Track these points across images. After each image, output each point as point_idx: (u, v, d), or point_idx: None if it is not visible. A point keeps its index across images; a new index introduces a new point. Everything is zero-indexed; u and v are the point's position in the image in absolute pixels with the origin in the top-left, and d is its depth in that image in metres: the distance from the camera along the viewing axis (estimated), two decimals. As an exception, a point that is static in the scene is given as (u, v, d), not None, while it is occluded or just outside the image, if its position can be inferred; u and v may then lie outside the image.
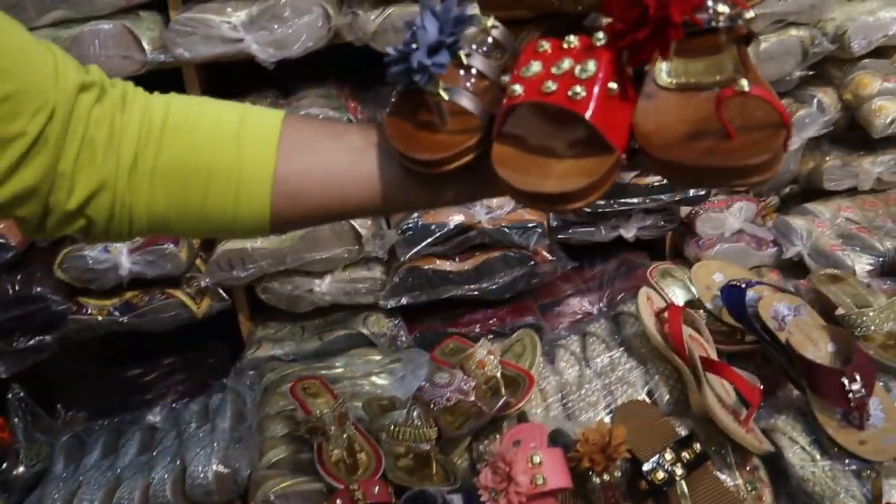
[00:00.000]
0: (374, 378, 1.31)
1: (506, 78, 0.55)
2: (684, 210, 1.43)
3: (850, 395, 0.94)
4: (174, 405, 1.43)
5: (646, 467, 0.92)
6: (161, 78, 1.29)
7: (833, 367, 0.99)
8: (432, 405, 1.09)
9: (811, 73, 1.39)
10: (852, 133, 1.46)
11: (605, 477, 0.91)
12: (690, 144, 0.47)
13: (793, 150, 1.43)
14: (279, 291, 1.39)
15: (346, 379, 1.32)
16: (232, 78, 1.39)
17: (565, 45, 0.53)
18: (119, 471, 1.22)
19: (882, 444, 0.93)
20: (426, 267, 1.34)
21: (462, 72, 0.57)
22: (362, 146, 0.60)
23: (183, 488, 1.12)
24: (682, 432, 1.00)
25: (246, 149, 0.59)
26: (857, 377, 0.95)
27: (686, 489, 0.92)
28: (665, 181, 1.32)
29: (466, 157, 0.55)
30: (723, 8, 0.49)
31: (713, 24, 0.50)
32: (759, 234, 1.45)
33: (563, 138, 0.53)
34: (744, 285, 1.11)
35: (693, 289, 1.24)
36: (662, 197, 1.33)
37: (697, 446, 0.94)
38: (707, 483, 0.94)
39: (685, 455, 0.93)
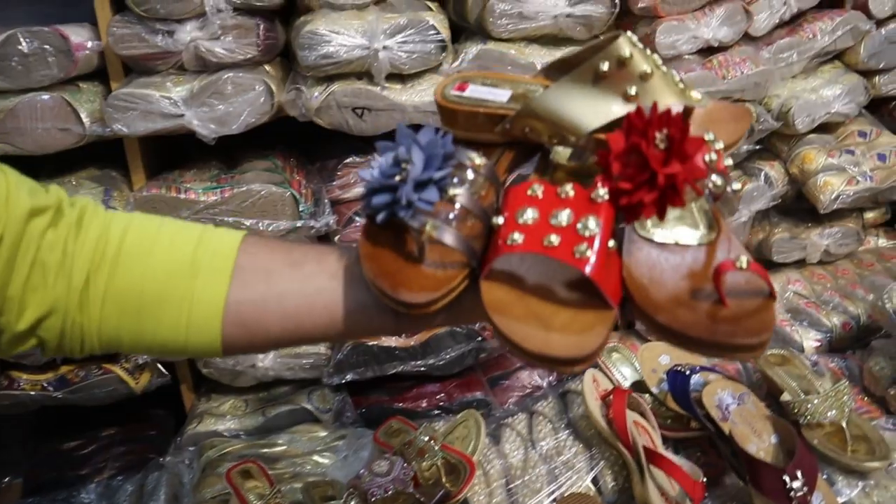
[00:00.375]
0: (316, 457, 1.27)
1: (499, 220, 0.54)
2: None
3: (792, 493, 0.93)
4: (110, 482, 1.37)
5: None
6: (103, 147, 1.28)
7: (775, 463, 0.98)
8: (370, 496, 1.05)
9: (758, 147, 1.41)
10: (800, 204, 1.47)
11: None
12: (689, 311, 0.49)
13: (742, 221, 1.43)
14: (221, 366, 1.35)
15: (287, 457, 1.28)
16: (175, 148, 1.37)
17: (561, 195, 0.53)
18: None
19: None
20: (371, 343, 1.31)
21: (446, 204, 0.56)
22: (321, 276, 0.59)
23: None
24: (624, 528, 0.98)
25: (199, 278, 0.58)
26: (799, 474, 0.94)
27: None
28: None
29: (451, 296, 0.54)
30: (718, 180, 0.52)
31: (706, 191, 0.52)
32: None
33: (558, 287, 0.53)
34: (688, 371, 1.10)
35: (637, 368, 1.23)
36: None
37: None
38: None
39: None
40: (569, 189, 0.53)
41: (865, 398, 1.19)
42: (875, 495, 0.97)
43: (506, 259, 0.53)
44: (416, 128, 0.56)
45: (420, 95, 1.23)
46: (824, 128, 1.42)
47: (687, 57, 1.32)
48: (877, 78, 1.44)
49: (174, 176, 1.30)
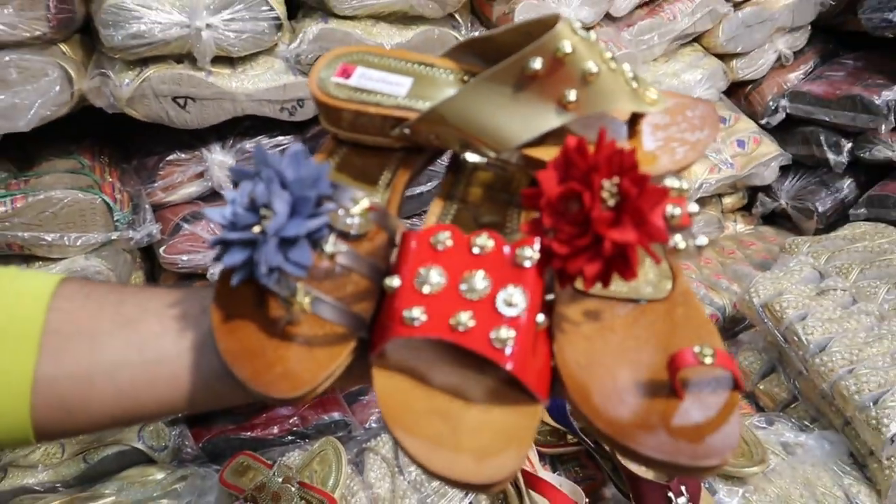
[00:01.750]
0: (152, 508, 1.11)
1: (393, 283, 0.42)
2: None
3: (676, 510, 0.89)
4: None
5: None
6: None
7: (657, 480, 0.94)
8: (214, 556, 0.92)
9: (622, 134, 1.37)
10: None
11: None
12: (638, 419, 0.39)
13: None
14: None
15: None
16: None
17: (475, 249, 0.42)
18: None
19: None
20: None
21: (322, 262, 0.44)
22: (164, 338, 0.46)
23: None
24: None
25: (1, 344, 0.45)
26: (683, 489, 0.90)
27: None
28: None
29: (331, 379, 0.43)
30: (681, 242, 0.41)
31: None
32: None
33: (472, 376, 0.42)
34: (563, 383, 1.04)
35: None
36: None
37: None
38: None
39: None
40: (485, 241, 0.42)
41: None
42: (755, 500, 0.96)
43: (403, 342, 0.43)
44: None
45: (254, 81, 1.09)
46: (685, 113, 1.41)
47: (548, 39, 1.25)
48: (734, 62, 1.44)
49: (-52, 182, 1.08)
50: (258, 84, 1.08)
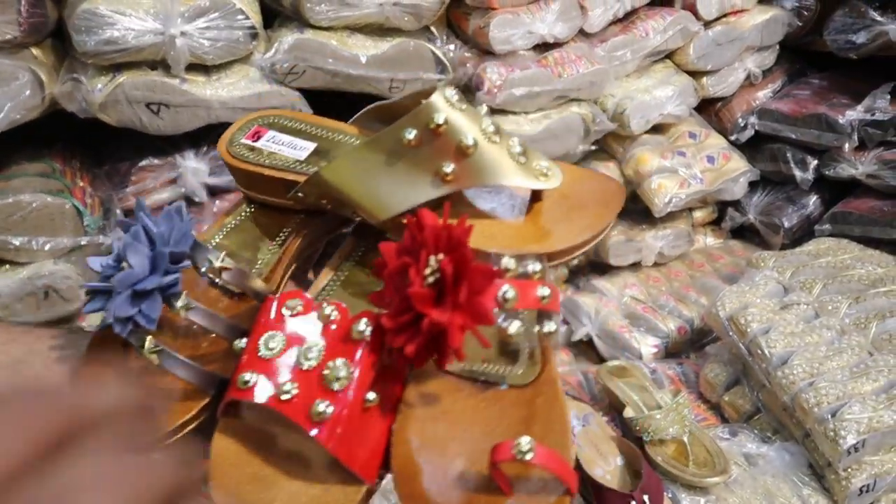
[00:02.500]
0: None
1: (241, 343, 0.43)
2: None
3: (639, 520, 0.91)
4: None
5: None
6: None
7: (622, 487, 0.97)
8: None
9: (594, 147, 1.41)
10: (634, 205, 1.50)
11: None
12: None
13: (579, 225, 1.42)
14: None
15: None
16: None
17: (321, 318, 0.43)
18: None
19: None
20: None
21: (175, 317, 0.46)
22: (44, 379, 0.48)
23: None
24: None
25: None
26: (646, 499, 0.93)
27: None
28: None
29: (184, 430, 0.44)
30: (514, 327, 0.41)
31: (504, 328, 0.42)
32: (549, 313, 1.43)
33: (305, 449, 0.42)
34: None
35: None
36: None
37: None
38: None
39: None
40: (331, 312, 0.43)
41: (702, 405, 1.22)
42: (717, 511, 0.99)
43: (245, 406, 0.43)
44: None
45: (228, 89, 1.10)
46: (657, 128, 1.45)
47: (522, 53, 1.28)
48: (704, 79, 1.48)
49: (-85, 184, 1.08)
50: (233, 92, 1.09)
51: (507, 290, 0.39)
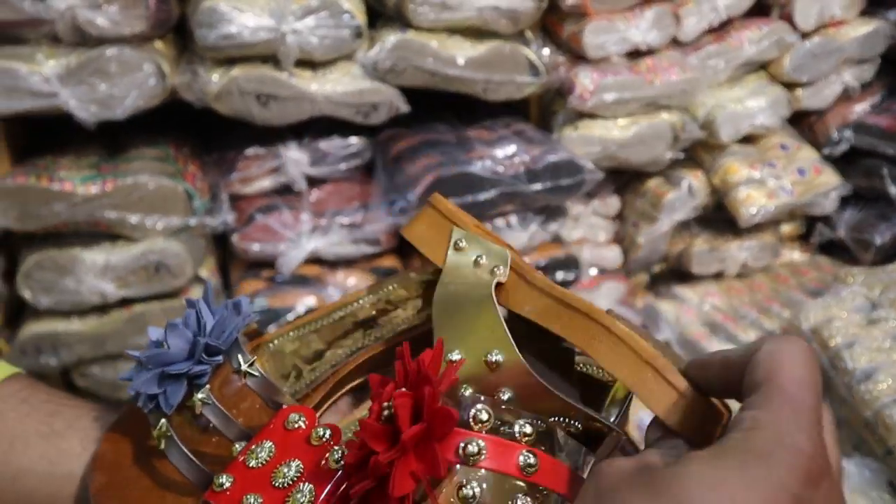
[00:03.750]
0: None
1: (237, 447, 0.45)
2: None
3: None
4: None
5: None
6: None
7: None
8: None
9: (682, 155, 1.43)
10: (719, 215, 1.51)
11: None
12: None
13: (662, 232, 1.45)
14: (100, 377, 1.26)
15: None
16: (48, 129, 1.26)
17: (313, 440, 0.43)
18: None
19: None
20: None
21: (193, 408, 0.47)
22: (79, 459, 0.49)
23: None
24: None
25: None
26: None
27: None
28: (533, 264, 1.31)
29: None
30: (469, 491, 0.35)
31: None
32: (628, 318, 1.46)
33: None
34: (608, 391, 1.11)
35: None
36: (530, 280, 1.32)
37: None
38: None
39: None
40: (323, 433, 0.43)
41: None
42: None
43: None
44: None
45: (332, 85, 1.18)
46: (747, 138, 1.47)
47: (615, 59, 1.32)
48: (799, 91, 1.49)
49: (46, 162, 1.19)
50: (336, 87, 1.17)
51: (471, 442, 0.35)
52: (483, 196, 1.21)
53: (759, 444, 0.29)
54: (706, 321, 1.42)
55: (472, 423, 0.36)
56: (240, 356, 0.47)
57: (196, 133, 1.36)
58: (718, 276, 1.52)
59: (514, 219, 1.27)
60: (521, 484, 0.36)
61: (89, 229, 1.15)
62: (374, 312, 0.55)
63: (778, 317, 1.40)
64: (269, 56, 1.16)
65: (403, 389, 0.36)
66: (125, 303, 1.19)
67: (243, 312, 0.48)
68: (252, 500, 0.41)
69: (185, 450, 0.45)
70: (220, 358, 0.47)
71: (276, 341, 0.55)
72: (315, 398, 0.51)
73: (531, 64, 1.26)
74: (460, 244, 0.49)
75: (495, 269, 0.47)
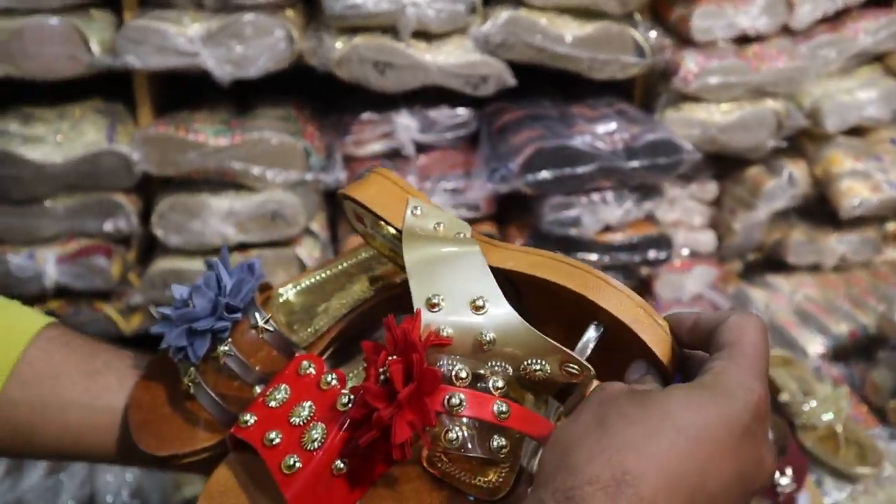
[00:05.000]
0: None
1: (256, 391, 0.53)
2: (644, 270, 1.48)
3: (779, 488, 0.99)
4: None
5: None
6: (110, 79, 1.32)
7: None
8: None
9: (785, 144, 1.46)
10: (820, 207, 1.53)
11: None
12: None
13: (760, 219, 1.48)
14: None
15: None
16: (185, 86, 1.41)
17: (322, 384, 0.50)
18: (20, 494, 1.23)
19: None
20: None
21: (217, 359, 0.54)
22: (117, 393, 0.57)
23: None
24: None
25: None
26: (788, 471, 1.00)
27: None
28: (626, 240, 1.37)
29: (198, 457, 0.54)
30: (453, 434, 0.44)
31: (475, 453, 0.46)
32: (716, 301, 1.50)
33: (277, 498, 0.48)
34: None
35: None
36: (622, 256, 1.38)
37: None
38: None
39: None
40: (331, 379, 0.50)
41: (864, 408, 1.25)
42: (862, 500, 1.04)
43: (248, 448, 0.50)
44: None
45: (445, 56, 1.27)
46: (855, 131, 1.47)
47: (721, 45, 1.36)
48: (913, 84, 1.48)
49: (183, 116, 1.34)
50: (449, 59, 1.27)
51: (453, 395, 0.43)
52: (581, 169, 1.28)
53: (725, 384, 0.39)
54: (797, 309, 1.44)
55: (454, 380, 0.44)
56: (256, 314, 0.54)
57: (316, 97, 1.48)
58: (814, 268, 1.53)
59: (609, 195, 1.34)
60: (497, 427, 0.45)
61: (217, 178, 1.29)
62: (373, 264, 0.62)
63: (874, 311, 1.41)
64: (388, 27, 1.26)
65: (394, 357, 0.43)
66: (242, 247, 1.32)
67: (256, 273, 0.56)
68: (273, 436, 0.48)
69: (212, 393, 0.54)
70: (240, 315, 0.54)
71: (284, 293, 0.62)
72: (320, 345, 0.58)
73: (637, 45, 1.31)
74: (416, 211, 0.53)
75: (457, 235, 0.52)
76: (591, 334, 0.46)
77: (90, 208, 1.29)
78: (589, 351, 0.46)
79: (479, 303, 0.46)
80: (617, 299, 0.45)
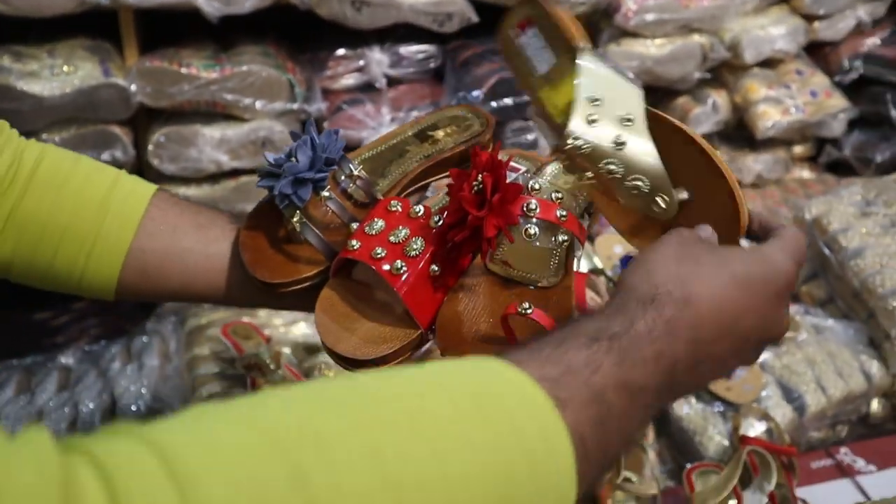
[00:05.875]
0: (302, 324, 1.45)
1: (353, 226, 0.64)
2: (591, 190, 1.66)
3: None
4: (91, 347, 1.50)
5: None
6: (97, 19, 1.40)
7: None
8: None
9: (709, 76, 1.66)
10: (739, 132, 1.74)
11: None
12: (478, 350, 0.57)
13: (688, 143, 1.68)
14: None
15: (270, 328, 1.46)
16: (170, 26, 1.50)
17: (412, 214, 0.63)
18: (39, 407, 1.31)
19: (743, 390, 1.19)
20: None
21: (317, 203, 0.66)
22: (223, 242, 0.68)
23: (113, 420, 1.24)
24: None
25: (108, 216, 0.65)
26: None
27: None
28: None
29: (302, 284, 0.65)
30: (532, 228, 0.59)
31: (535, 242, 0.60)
32: (654, 218, 1.70)
33: (381, 300, 0.62)
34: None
35: (595, 259, 1.48)
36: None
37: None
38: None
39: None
40: (419, 210, 0.63)
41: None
42: (785, 358, 1.25)
43: (353, 269, 0.64)
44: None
45: (417, -6, 1.41)
46: (767, 63, 1.69)
47: (654, -15, 1.54)
48: (816, 23, 1.71)
49: (171, 52, 1.43)
50: (421, -3, 1.41)
51: (530, 202, 0.59)
52: (539, 95, 1.44)
53: (773, 256, 0.53)
54: (723, 219, 1.65)
55: (530, 191, 0.60)
56: (350, 165, 0.68)
57: (289, 38, 1.59)
58: (736, 185, 1.75)
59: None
60: (560, 228, 0.61)
61: (208, 109, 1.39)
62: (427, 134, 0.77)
63: (786, 218, 1.64)
64: (364, -32, 1.39)
65: (483, 174, 0.57)
66: (235, 173, 1.43)
67: (340, 135, 0.68)
68: (380, 250, 0.60)
69: (316, 230, 0.65)
70: (335, 167, 0.66)
71: (363, 155, 0.74)
72: (394, 193, 0.70)
73: (583, -15, 1.48)
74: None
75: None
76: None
77: (87, 140, 1.37)
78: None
79: (628, 118, 0.61)
80: (734, 184, 0.59)
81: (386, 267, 0.60)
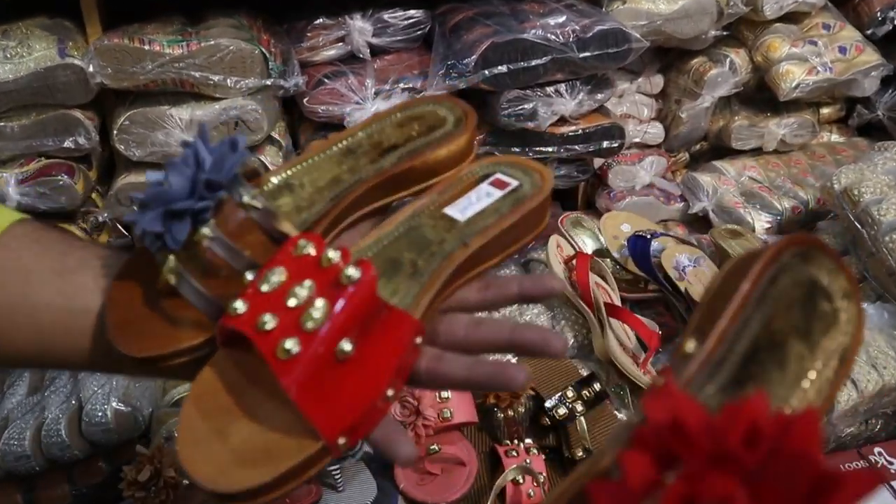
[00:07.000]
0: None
1: (248, 276, 0.45)
2: (598, 161, 1.53)
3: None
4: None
5: (548, 404, 1.02)
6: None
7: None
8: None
9: (725, 33, 1.51)
10: (760, 94, 1.60)
11: (510, 412, 1.01)
12: None
13: (704, 108, 1.54)
14: (181, 230, 1.41)
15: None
16: (140, 2, 1.39)
17: (323, 262, 0.44)
18: (6, 413, 1.24)
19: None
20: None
21: (200, 243, 0.47)
22: (93, 294, 0.50)
23: (79, 428, 1.15)
24: (584, 373, 1.10)
25: None
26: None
27: (585, 425, 1.03)
28: (580, 131, 1.41)
29: (182, 358, 0.47)
30: None
31: None
32: (668, 189, 1.57)
33: (276, 392, 0.42)
34: (649, 236, 1.23)
35: (602, 238, 1.35)
36: (577, 147, 1.43)
37: (598, 386, 1.05)
38: (605, 419, 1.05)
39: (586, 393, 1.04)
40: (333, 255, 0.44)
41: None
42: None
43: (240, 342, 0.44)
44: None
45: (396, -44, 1.28)
46: (790, 17, 1.54)
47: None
48: (844, -30, 1.55)
49: (135, 28, 1.32)
50: (401, -42, 1.28)
51: None
52: (535, 62, 1.31)
53: None
54: (743, 191, 1.52)
55: None
56: (241, 189, 0.48)
57: (266, 9, 1.47)
58: (757, 151, 1.61)
59: (563, 87, 1.38)
60: None
61: (175, 88, 1.28)
62: (369, 146, 0.57)
63: (812, 187, 1.50)
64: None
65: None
66: (208, 157, 1.32)
67: (239, 148, 0.48)
68: (267, 319, 0.42)
69: (196, 284, 0.46)
70: (222, 192, 0.47)
71: (274, 180, 0.56)
72: (319, 229, 0.52)
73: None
74: None
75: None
76: None
77: (47, 126, 1.27)
78: None
79: None
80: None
81: (272, 346, 0.41)
